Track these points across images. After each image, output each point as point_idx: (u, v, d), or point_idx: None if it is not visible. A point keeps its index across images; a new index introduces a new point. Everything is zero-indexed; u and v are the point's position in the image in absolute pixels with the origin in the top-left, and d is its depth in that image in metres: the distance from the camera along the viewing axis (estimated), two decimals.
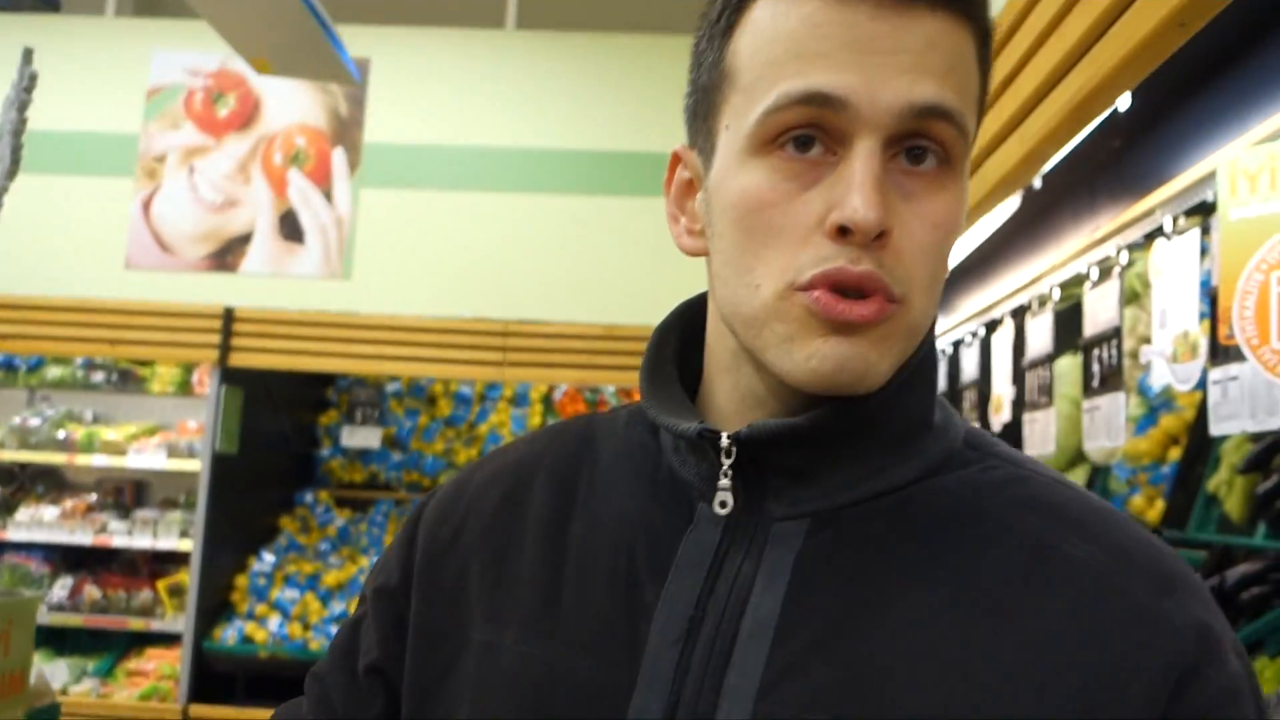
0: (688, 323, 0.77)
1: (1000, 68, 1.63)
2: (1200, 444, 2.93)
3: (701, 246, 0.70)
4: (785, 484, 0.67)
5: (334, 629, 4.41)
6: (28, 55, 3.48)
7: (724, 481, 0.67)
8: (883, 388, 0.65)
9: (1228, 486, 2.73)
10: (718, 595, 0.65)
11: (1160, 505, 3.05)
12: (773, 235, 0.63)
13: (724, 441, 0.66)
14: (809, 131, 0.62)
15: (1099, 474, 3.50)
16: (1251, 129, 1.52)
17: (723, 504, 0.67)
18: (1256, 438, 2.17)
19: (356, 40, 4.49)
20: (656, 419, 0.70)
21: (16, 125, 3.44)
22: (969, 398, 2.80)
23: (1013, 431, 2.49)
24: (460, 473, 0.82)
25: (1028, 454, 0.78)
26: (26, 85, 3.43)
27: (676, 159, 0.73)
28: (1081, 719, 0.59)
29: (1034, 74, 1.46)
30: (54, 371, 5.13)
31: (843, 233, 0.61)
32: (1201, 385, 1.65)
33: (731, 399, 0.70)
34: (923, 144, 0.62)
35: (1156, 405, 3.10)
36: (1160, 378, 1.75)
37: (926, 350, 0.69)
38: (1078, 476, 3.58)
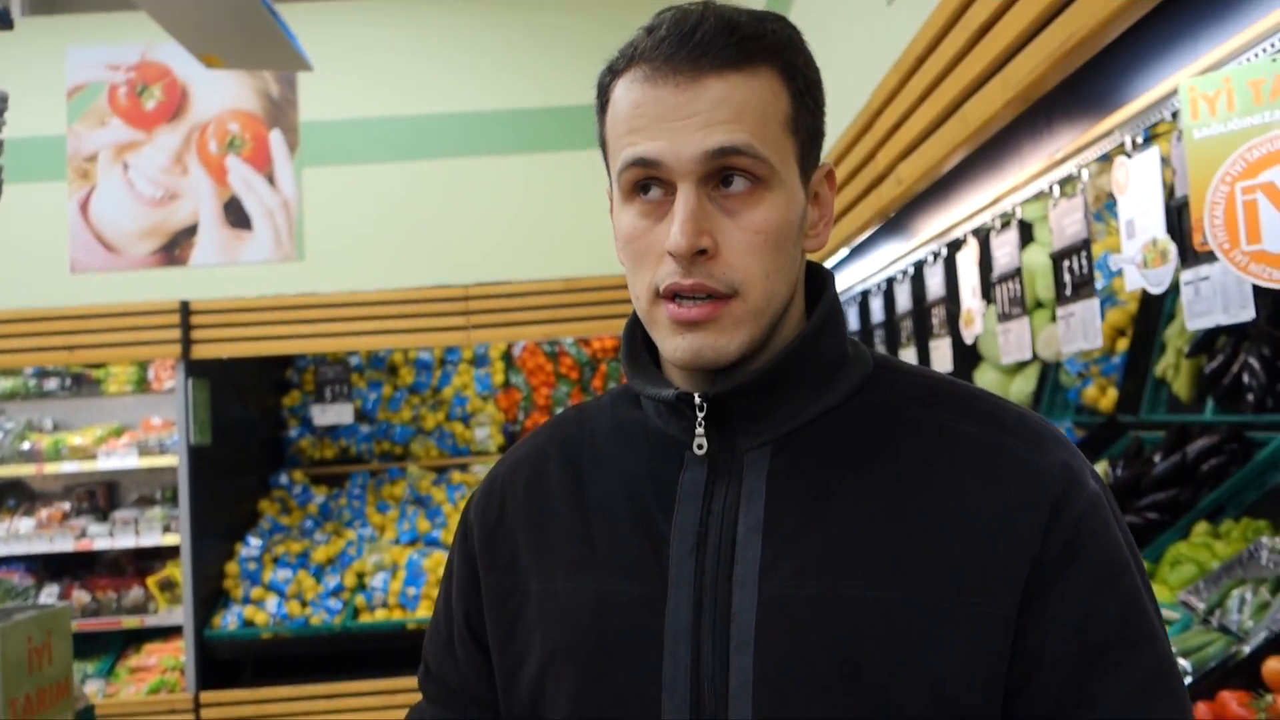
0: None
1: (976, 15, 1.77)
2: (1146, 333, 3.20)
3: None
4: (747, 424, 0.88)
5: (332, 602, 4.51)
6: None
7: (699, 430, 0.89)
8: (799, 341, 0.88)
9: (1174, 369, 3.00)
10: (714, 514, 0.86)
11: (1113, 394, 3.32)
12: (640, 258, 0.87)
13: (697, 400, 0.88)
14: (648, 181, 0.85)
15: (1050, 369, 3.76)
16: (1203, 55, 1.70)
17: (700, 446, 0.89)
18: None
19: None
20: (644, 392, 0.92)
21: None
22: (937, 315, 2.99)
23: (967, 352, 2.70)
24: (488, 473, 1.05)
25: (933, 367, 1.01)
26: None
27: (610, 197, 0.95)
28: (991, 550, 0.82)
29: (1016, 20, 1.61)
30: (3, 384, 5.05)
31: (674, 255, 0.83)
32: (1174, 287, 1.85)
33: (676, 370, 0.92)
34: (728, 174, 0.84)
35: (1102, 300, 3.35)
36: (1133, 282, 1.94)
37: (829, 304, 0.92)
38: (1029, 374, 3.84)
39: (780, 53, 0.86)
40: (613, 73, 0.88)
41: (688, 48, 0.82)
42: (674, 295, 0.84)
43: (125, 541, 4.66)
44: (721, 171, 0.83)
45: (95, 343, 4.44)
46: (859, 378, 0.92)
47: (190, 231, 4.57)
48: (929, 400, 0.90)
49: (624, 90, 0.86)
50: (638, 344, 0.96)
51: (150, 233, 4.57)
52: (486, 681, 0.97)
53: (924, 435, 0.87)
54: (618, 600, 0.87)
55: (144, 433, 4.92)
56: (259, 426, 5.25)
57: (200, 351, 4.46)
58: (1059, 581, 0.81)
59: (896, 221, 3.26)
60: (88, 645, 4.76)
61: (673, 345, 0.85)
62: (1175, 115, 1.81)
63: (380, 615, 4.49)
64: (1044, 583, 0.81)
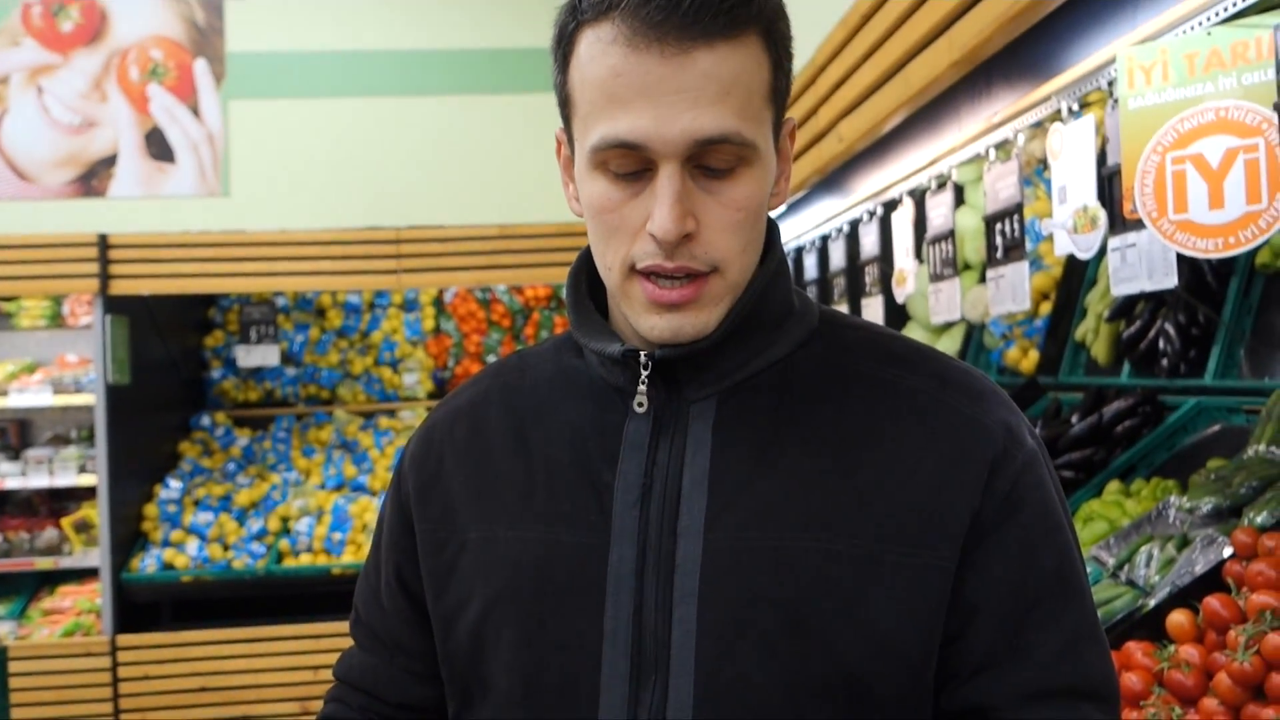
0: (591, 263, 0.94)
1: None
2: (1069, 298, 3.28)
3: (581, 212, 0.90)
4: (693, 374, 0.88)
5: (255, 546, 4.45)
6: None
7: (642, 388, 0.88)
8: (750, 296, 0.86)
9: (1094, 334, 3.09)
10: (659, 465, 0.86)
11: (1034, 355, 3.40)
12: (613, 232, 0.83)
13: (643, 359, 0.87)
14: (625, 159, 0.80)
15: (975, 330, 3.85)
16: (1141, 25, 1.73)
17: (640, 404, 0.88)
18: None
19: None
20: (589, 346, 0.91)
21: None
22: (870, 273, 3.03)
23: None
24: (425, 421, 1.02)
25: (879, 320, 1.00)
26: None
27: (559, 140, 0.91)
28: (933, 503, 0.84)
29: None
30: None
31: (660, 240, 0.80)
32: (1101, 253, 1.90)
33: (628, 323, 0.89)
34: (709, 163, 0.81)
35: (1029, 263, 3.42)
36: (1062, 247, 1.99)
37: (778, 259, 0.91)
38: (955, 335, 3.92)
39: (766, 18, 0.82)
40: (577, 17, 0.81)
41: (678, 15, 0.76)
42: (654, 275, 0.82)
43: (38, 481, 4.54)
44: (702, 157, 0.80)
45: (7, 274, 4.27)
46: (805, 331, 0.91)
47: (109, 162, 4.41)
48: (876, 355, 0.91)
49: (597, 48, 0.79)
50: (582, 294, 0.94)
51: (66, 161, 4.39)
52: (413, 630, 0.97)
53: (870, 389, 0.88)
54: (561, 549, 0.87)
55: (59, 370, 4.77)
56: (180, 366, 5.12)
57: (119, 287, 4.32)
58: (997, 534, 0.84)
59: (834, 179, 3.28)
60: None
61: (650, 324, 0.84)
62: (1111, 84, 1.84)
63: (305, 560, 4.45)
64: (983, 535, 0.84)
